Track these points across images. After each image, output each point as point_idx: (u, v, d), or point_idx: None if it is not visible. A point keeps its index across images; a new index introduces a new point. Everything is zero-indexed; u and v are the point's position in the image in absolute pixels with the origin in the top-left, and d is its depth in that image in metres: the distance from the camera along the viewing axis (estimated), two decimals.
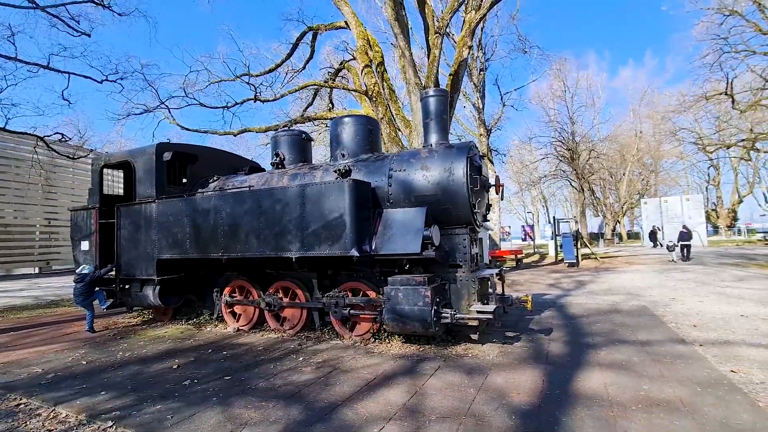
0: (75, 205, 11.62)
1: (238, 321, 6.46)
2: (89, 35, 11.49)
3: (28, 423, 3.28)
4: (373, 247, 5.00)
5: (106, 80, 10.89)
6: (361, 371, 4.23)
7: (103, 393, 3.87)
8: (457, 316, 4.72)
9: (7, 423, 3.29)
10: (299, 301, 5.94)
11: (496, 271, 5.49)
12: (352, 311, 5.36)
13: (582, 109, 35.68)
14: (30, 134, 11.55)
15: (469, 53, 13.25)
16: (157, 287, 6.41)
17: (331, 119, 21.92)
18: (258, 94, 14.26)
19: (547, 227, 28.18)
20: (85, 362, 4.93)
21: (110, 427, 3.15)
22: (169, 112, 15.49)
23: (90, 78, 10.61)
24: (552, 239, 22.42)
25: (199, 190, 6.84)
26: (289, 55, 16.38)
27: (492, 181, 5.56)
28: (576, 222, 27.74)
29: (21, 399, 3.80)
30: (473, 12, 12.91)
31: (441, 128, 5.53)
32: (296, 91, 15.46)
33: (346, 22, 13.82)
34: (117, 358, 5.08)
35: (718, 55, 20.31)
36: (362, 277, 5.60)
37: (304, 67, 18.06)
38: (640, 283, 10.77)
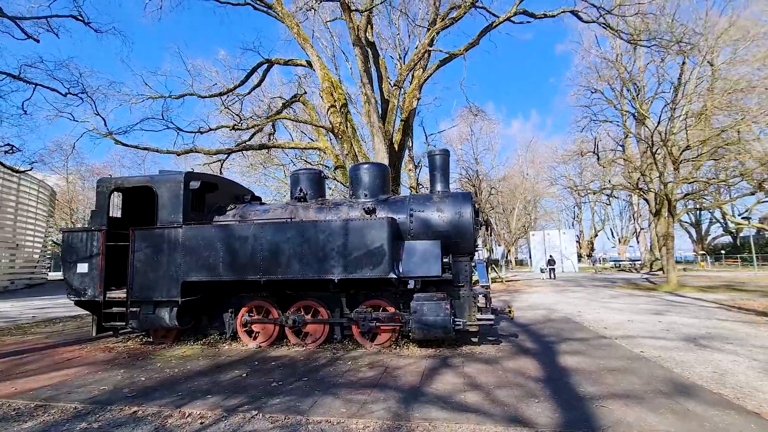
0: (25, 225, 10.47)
1: (255, 339, 7.07)
2: (38, 40, 10.81)
3: (167, 422, 3.84)
4: (401, 271, 6.33)
5: (69, 93, 10.29)
6: (408, 367, 5.47)
7: (209, 396, 4.47)
8: (467, 322, 6.29)
9: (144, 426, 3.79)
10: (321, 317, 6.89)
11: (485, 291, 7.22)
12: (377, 324, 6.54)
13: (484, 152, 41.36)
14: None
15: (417, 103, 15.49)
16: (175, 309, 6.74)
17: (287, 148, 22.28)
18: (236, 125, 14.45)
19: None
20: (144, 378, 5.23)
21: (256, 414, 3.93)
22: (105, 124, 14.64)
23: (55, 90, 9.97)
24: None
25: (217, 217, 7.38)
26: (243, 83, 16.87)
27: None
28: (489, 250, 31.79)
29: (129, 408, 4.20)
30: (421, 70, 15.29)
31: (445, 179, 7.19)
32: (270, 121, 15.86)
33: (309, 63, 15.04)
34: (168, 374, 5.44)
35: (587, 120, 26.29)
36: (381, 296, 6.84)
37: (249, 93, 18.59)
38: (549, 300, 13.65)
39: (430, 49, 14.22)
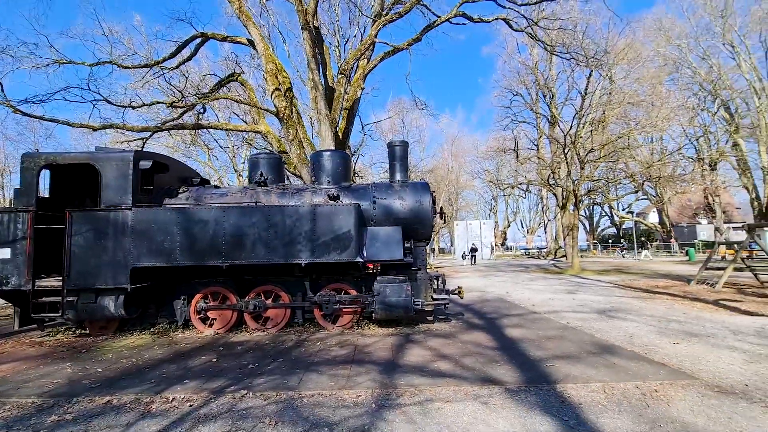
0: None
1: (211, 326, 6.87)
2: None
3: (152, 407, 3.75)
4: (366, 255, 6.63)
5: None
6: (376, 345, 5.83)
7: (186, 381, 4.38)
8: (425, 302, 6.82)
9: (127, 414, 3.66)
10: (282, 302, 6.93)
11: (440, 274, 7.80)
12: (340, 306, 6.78)
13: (414, 143, 42.80)
14: None
15: (361, 93, 15.66)
16: (122, 297, 6.29)
17: (225, 130, 21.21)
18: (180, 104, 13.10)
19: None
20: (100, 369, 4.89)
21: (245, 393, 4.00)
22: (2, 89, 12.53)
23: None
24: None
25: (167, 199, 6.96)
26: (173, 56, 15.52)
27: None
28: None
29: (100, 398, 3.97)
30: (366, 61, 15.48)
31: (404, 169, 7.59)
32: (210, 101, 14.67)
33: (250, 42, 14.35)
34: (127, 363, 5.13)
35: (509, 120, 28.73)
36: (342, 280, 7.08)
37: (176, 67, 17.17)
38: (478, 284, 14.95)
39: (377, 41, 14.45)
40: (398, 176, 7.54)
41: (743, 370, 4.49)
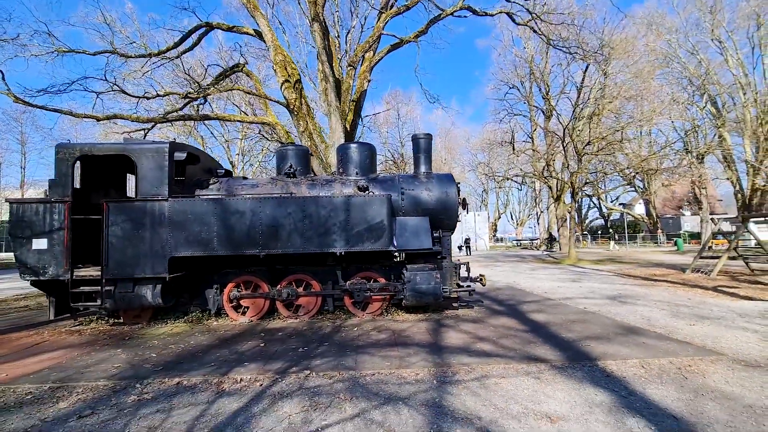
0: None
1: (244, 314, 7.05)
2: None
3: (224, 387, 3.95)
4: (396, 244, 6.87)
5: None
6: (411, 329, 6.10)
7: (246, 364, 4.58)
8: (453, 290, 7.11)
9: (202, 393, 3.86)
10: (314, 290, 7.14)
11: (464, 262, 8.08)
12: (370, 293, 7.02)
13: (408, 136, 42.96)
14: None
15: (368, 85, 15.75)
16: (159, 286, 6.42)
17: (233, 121, 21.03)
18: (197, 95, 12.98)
19: None
20: (154, 354, 5.05)
21: (309, 373, 4.22)
22: (3, 78, 12.29)
23: None
24: None
25: (199, 191, 7.06)
26: (176, 45, 15.33)
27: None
28: None
29: (170, 379, 4.15)
30: (372, 53, 15.56)
31: (428, 161, 7.81)
32: (219, 91, 14.55)
33: (257, 32, 14.28)
34: (177, 349, 5.29)
35: (504, 114, 29.07)
36: (371, 269, 7.32)
37: (177, 57, 16.96)
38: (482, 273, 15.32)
39: (385, 33, 14.53)
40: (423, 168, 7.76)
41: (761, 347, 4.90)
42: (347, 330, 6.16)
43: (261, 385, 3.98)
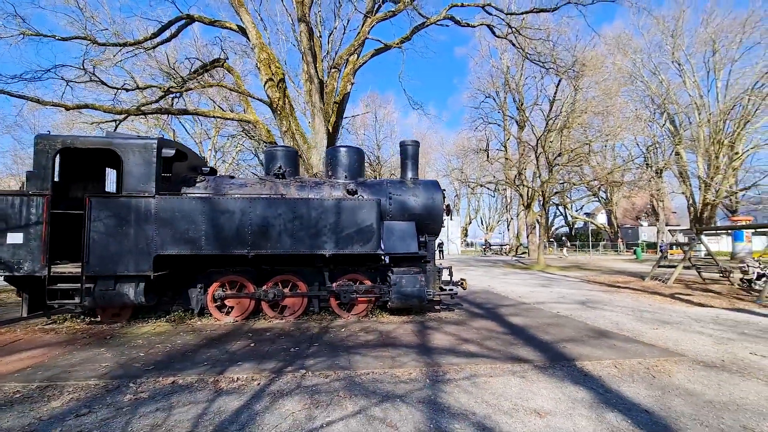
0: None
1: (228, 314, 7.01)
2: None
3: (221, 386, 3.99)
4: (384, 248, 7.04)
5: None
6: (397, 331, 6.28)
7: (240, 363, 4.62)
8: (437, 293, 7.36)
9: (200, 392, 3.89)
10: (299, 291, 7.19)
11: (447, 265, 8.35)
12: (354, 295, 7.15)
13: (385, 139, 43.34)
14: None
15: (351, 88, 15.86)
16: (142, 284, 6.30)
17: (213, 117, 20.68)
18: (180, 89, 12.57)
19: None
20: (141, 354, 4.98)
21: (305, 373, 4.32)
22: None
23: None
24: None
25: (185, 188, 6.97)
26: (155, 36, 14.90)
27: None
28: None
29: (164, 379, 4.14)
30: (356, 56, 15.70)
31: (415, 167, 8.03)
32: (201, 87, 14.18)
33: (241, 28, 14.11)
34: (163, 349, 5.24)
35: (479, 122, 29.90)
36: (357, 271, 7.45)
37: (153, 48, 16.51)
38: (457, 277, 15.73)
39: (369, 37, 14.70)
40: (410, 174, 7.98)
41: (716, 349, 5.41)
42: (335, 331, 6.27)
43: (259, 384, 4.04)
